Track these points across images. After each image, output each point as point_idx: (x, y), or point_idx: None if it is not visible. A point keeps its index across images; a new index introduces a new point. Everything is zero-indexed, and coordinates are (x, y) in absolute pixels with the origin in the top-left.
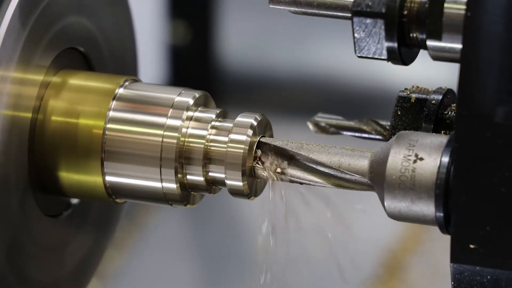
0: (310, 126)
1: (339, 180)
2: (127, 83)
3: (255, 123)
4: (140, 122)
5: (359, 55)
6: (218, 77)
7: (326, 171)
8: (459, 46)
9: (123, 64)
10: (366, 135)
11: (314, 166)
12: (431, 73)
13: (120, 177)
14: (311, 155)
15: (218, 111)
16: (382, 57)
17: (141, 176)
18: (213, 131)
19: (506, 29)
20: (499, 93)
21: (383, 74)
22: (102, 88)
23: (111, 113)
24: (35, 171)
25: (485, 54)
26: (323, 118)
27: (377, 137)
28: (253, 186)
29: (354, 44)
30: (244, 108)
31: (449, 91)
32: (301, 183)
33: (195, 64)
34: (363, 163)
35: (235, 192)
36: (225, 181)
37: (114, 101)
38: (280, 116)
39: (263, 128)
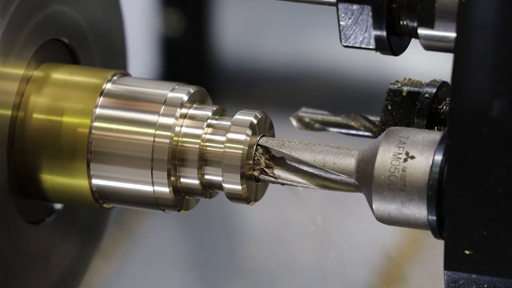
0: (294, 122)
1: (324, 180)
2: (115, 77)
3: (255, 122)
4: (129, 120)
5: (345, 44)
6: (215, 71)
7: (310, 170)
8: (452, 34)
9: (111, 57)
10: (354, 132)
11: (296, 165)
12: (432, 64)
13: (107, 180)
14: (293, 153)
15: (214, 108)
16: (370, 47)
17: (130, 179)
18: (210, 130)
19: (503, 16)
20: (496, 85)
21: (389, 67)
22: (88, 83)
23: (98, 111)
24: (15, 173)
25: (480, 43)
26: (307, 113)
27: (366, 133)
28: (253, 190)
29: (340, 32)
30: (243, 105)
31: (443, 83)
32: (283, 184)
33: (189, 57)
34: (350, 162)
35: (233, 196)
36: (223, 184)
37: (101, 97)
38: (282, 112)
39: (264, 126)
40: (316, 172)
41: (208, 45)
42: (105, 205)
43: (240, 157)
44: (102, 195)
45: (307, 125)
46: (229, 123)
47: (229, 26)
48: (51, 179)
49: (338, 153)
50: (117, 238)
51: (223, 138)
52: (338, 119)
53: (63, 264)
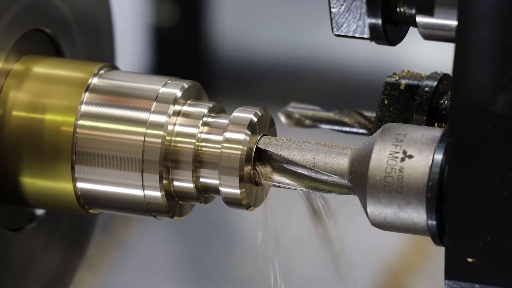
0: (282, 118)
1: (314, 181)
2: (102, 71)
3: (254, 119)
4: (117, 118)
5: (336, 33)
6: (211, 64)
7: (299, 171)
8: (454, 22)
9: (98, 49)
10: (347, 129)
11: (284, 165)
12: (435, 55)
13: (94, 183)
14: (281, 152)
15: (211, 105)
16: (364, 36)
17: (119, 183)
18: (205, 128)
19: (509, 2)
20: (501, 78)
21: (389, 58)
22: (73, 78)
23: (83, 107)
24: None
25: (484, 32)
26: (297, 109)
27: (360, 130)
28: (253, 195)
29: (331, 20)
30: (241, 101)
31: (445, 76)
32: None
33: (183, 49)
34: (342, 162)
35: (231, 201)
36: (219, 188)
37: (87, 93)
38: (279, 108)
39: (265, 124)
40: (306, 173)
41: (203, 36)
42: (91, 211)
43: (238, 158)
44: (88, 200)
45: (297, 122)
46: (226, 121)
47: (226, 16)
48: (32, 182)
49: (330, 152)
50: (104, 246)
51: (220, 138)
52: (331, 115)
53: (45, 275)
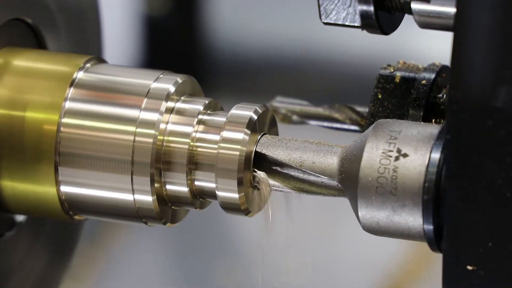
0: None
1: (301, 182)
2: (88, 64)
3: (254, 117)
4: (105, 116)
5: (325, 21)
6: (206, 56)
7: (284, 171)
8: (452, 9)
9: (84, 41)
10: (338, 125)
11: (269, 165)
12: (436, 45)
13: (79, 187)
14: (265, 150)
15: (206, 102)
16: (355, 24)
17: (106, 186)
18: (201, 127)
19: None
20: (503, 70)
21: (385, 48)
22: (56, 72)
23: (68, 104)
24: None
25: (485, 20)
26: (283, 103)
27: (352, 127)
28: (252, 199)
29: (319, 7)
30: (240, 97)
31: (444, 68)
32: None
33: (176, 41)
34: (332, 161)
35: (229, 206)
36: (216, 192)
37: (72, 89)
38: None
39: (265, 123)
40: (292, 173)
41: (198, 26)
42: (76, 217)
43: (237, 160)
44: (73, 205)
45: (284, 117)
46: (224, 120)
47: (222, 6)
48: (12, 186)
49: (318, 150)
50: (90, 256)
51: (217, 137)
52: (320, 110)
53: (26, 286)
